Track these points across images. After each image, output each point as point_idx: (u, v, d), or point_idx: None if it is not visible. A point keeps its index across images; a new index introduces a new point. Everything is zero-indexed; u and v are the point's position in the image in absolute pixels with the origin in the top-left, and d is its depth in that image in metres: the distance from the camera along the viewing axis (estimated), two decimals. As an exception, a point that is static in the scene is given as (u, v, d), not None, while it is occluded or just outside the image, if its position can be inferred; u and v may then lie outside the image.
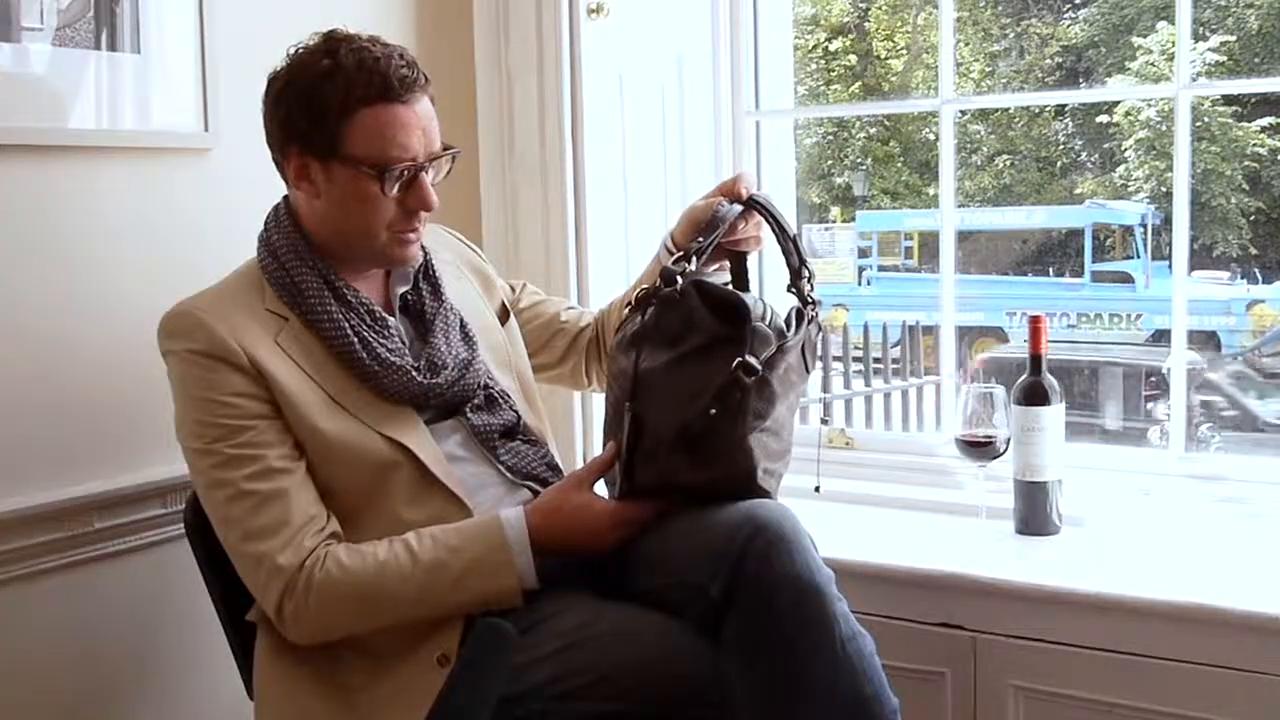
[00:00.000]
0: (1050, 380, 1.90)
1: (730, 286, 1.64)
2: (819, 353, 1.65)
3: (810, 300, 1.60)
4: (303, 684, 1.51)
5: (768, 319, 1.51)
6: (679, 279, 1.52)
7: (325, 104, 1.48)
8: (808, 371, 1.57)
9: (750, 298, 1.51)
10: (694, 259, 1.56)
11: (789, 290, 1.62)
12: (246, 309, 1.54)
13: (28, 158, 1.72)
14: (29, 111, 1.71)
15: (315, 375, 1.52)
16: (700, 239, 1.59)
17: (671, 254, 1.64)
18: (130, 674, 1.84)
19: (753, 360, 1.45)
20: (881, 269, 12.02)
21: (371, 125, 1.48)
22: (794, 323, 1.55)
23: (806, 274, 1.61)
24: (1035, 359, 1.91)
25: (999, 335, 10.19)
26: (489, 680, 1.35)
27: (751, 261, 1.73)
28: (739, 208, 1.64)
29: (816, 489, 1.66)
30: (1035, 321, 1.92)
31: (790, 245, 1.62)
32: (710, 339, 1.49)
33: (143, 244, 1.84)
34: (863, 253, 12.23)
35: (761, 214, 1.65)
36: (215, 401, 1.48)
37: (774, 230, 1.65)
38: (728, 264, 1.70)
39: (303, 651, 1.51)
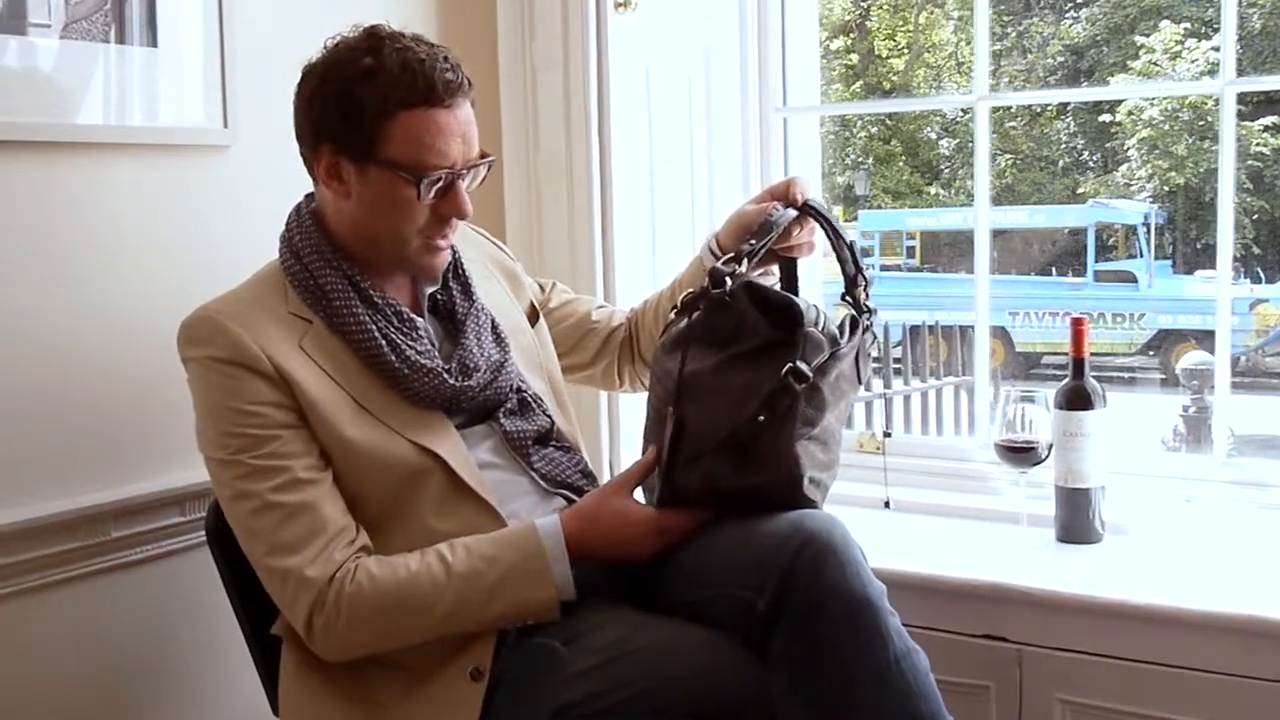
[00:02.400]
0: (1093, 384, 1.85)
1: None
2: (872, 363, 1.61)
3: (867, 309, 1.55)
4: (330, 700, 1.46)
5: (821, 324, 1.45)
6: (728, 280, 1.47)
7: (364, 104, 1.42)
8: (859, 382, 1.52)
9: (804, 302, 1.46)
10: (744, 261, 1.51)
11: (844, 299, 1.57)
12: (269, 313, 1.48)
13: (35, 155, 1.67)
14: (36, 107, 1.66)
15: (341, 380, 1.47)
16: (751, 241, 1.54)
17: (717, 256, 1.59)
18: (148, 688, 1.79)
19: (804, 366, 1.40)
20: (884, 269, 12.00)
21: (412, 130, 1.43)
22: (847, 330, 1.50)
23: (863, 282, 1.56)
24: (1078, 363, 1.86)
25: (1002, 336, 10.17)
26: (537, 701, 1.31)
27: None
28: (792, 213, 1.59)
29: (886, 504, 1.61)
30: (1078, 324, 1.87)
31: (846, 252, 1.57)
32: (761, 343, 1.44)
33: (158, 245, 1.79)
34: (864, 252, 12.21)
35: (817, 220, 1.60)
36: (239, 410, 1.43)
37: (829, 237, 1.60)
38: (775, 268, 1.65)
39: (330, 666, 1.46)
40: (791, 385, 1.40)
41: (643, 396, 1.60)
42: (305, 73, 1.48)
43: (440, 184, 1.45)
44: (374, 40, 1.45)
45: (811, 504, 1.45)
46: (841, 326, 1.51)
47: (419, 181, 1.43)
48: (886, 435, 2.14)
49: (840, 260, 1.58)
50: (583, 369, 1.83)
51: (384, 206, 1.46)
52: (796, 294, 1.61)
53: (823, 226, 1.60)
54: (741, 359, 1.44)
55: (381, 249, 1.51)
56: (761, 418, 1.40)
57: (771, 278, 1.65)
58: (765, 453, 1.42)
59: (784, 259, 1.65)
